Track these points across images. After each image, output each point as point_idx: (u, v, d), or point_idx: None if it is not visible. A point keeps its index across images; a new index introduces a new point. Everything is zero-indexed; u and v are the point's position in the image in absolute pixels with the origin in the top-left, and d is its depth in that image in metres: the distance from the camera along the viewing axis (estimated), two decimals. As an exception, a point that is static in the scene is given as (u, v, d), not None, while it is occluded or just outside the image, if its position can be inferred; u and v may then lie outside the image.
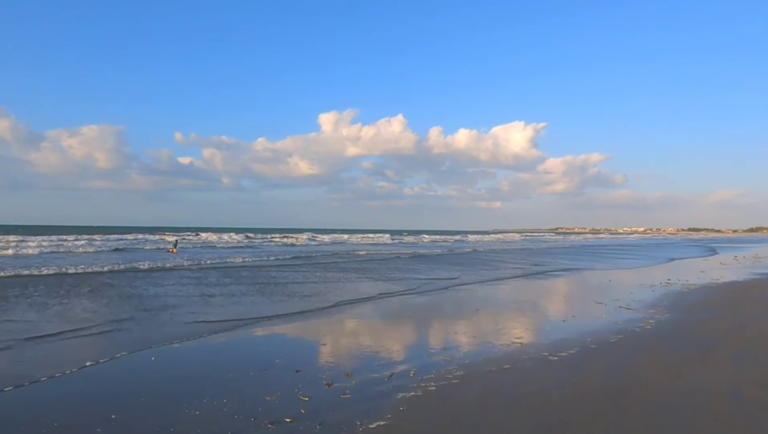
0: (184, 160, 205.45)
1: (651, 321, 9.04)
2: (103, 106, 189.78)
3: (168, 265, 19.31)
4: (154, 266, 18.94)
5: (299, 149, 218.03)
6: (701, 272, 20.58)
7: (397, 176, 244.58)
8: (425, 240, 58.71)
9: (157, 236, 42.83)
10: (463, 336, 7.83)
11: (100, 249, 28.56)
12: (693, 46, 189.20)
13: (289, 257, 26.41)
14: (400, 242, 51.95)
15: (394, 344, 7.34)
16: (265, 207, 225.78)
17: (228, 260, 22.46)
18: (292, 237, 52.27)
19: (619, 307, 10.83)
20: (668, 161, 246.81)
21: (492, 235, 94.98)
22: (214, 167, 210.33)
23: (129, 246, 31.78)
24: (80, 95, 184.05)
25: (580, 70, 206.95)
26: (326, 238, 53.51)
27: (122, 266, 18.30)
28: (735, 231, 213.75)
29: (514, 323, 9.02)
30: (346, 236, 59.44)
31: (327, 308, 10.56)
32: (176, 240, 33.71)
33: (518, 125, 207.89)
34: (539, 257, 29.98)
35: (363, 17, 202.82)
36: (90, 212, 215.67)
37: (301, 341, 7.69)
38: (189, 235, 48.49)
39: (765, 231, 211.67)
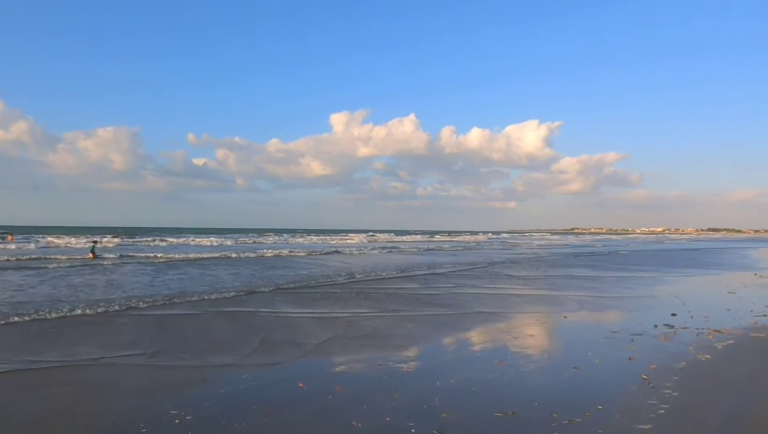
0: (199, 161, 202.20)
1: None
2: (116, 108, 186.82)
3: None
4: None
5: (311, 149, 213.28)
6: (729, 293, 13.07)
7: (409, 176, 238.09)
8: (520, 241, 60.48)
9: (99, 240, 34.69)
10: None
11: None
12: (711, 42, 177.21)
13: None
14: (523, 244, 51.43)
15: None
16: (279, 208, 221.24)
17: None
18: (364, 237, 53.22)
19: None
20: (685, 160, 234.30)
21: (533, 235, 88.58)
22: (228, 167, 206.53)
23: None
24: (93, 96, 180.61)
25: (595, 67, 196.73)
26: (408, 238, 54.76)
27: None
28: (756, 231, 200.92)
29: None
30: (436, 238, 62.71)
31: None
32: (93, 244, 26.62)
33: (532, 124, 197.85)
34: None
35: (374, 14, 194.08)
36: (109, 213, 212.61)
37: None
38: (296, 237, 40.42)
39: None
